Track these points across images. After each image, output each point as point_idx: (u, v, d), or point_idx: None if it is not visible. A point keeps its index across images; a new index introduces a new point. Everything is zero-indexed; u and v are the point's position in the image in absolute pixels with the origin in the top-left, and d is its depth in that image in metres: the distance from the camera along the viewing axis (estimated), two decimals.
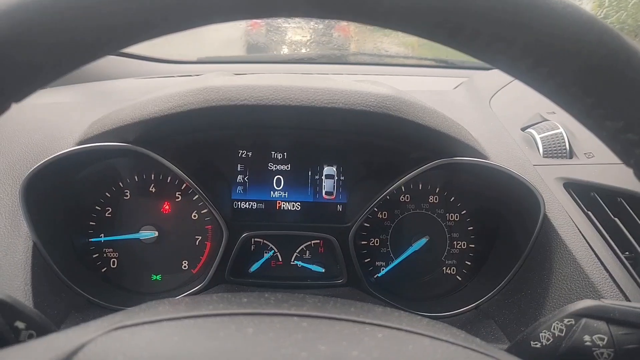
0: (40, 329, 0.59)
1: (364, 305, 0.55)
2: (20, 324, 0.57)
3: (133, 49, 1.72)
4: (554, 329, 0.62)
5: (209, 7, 0.37)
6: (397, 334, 0.46)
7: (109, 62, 1.63)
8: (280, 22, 2.04)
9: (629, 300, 0.82)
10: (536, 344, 0.63)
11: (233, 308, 0.49)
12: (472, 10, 0.37)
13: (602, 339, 0.59)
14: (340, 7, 0.37)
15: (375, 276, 1.15)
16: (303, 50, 2.17)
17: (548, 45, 0.37)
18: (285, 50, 2.22)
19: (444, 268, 1.15)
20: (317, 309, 0.50)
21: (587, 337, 0.60)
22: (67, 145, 0.99)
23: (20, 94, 0.38)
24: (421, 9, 0.37)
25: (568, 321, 0.62)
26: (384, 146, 1.05)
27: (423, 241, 1.12)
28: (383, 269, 1.15)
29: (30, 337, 0.58)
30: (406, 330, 0.47)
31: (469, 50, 0.40)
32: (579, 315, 0.62)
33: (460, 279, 1.15)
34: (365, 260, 1.15)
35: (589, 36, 0.37)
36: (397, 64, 2.06)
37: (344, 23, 2.13)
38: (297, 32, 2.14)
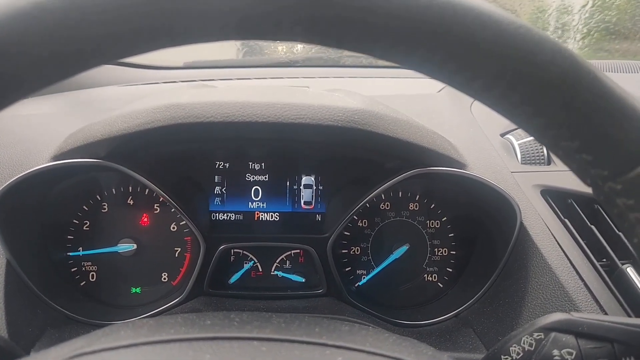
0: (5, 354, 0.58)
1: (330, 324, 0.55)
2: None
3: None
4: (523, 343, 0.62)
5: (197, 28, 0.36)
6: (358, 357, 0.46)
7: (92, 69, 1.61)
8: None
9: (604, 310, 0.82)
10: (507, 359, 0.63)
11: (194, 332, 0.48)
12: (424, 32, 0.36)
13: (570, 353, 0.59)
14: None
15: (356, 285, 1.15)
16: (297, 48, 2.16)
17: (500, 66, 0.37)
18: (278, 49, 2.21)
19: (425, 275, 1.15)
20: (279, 331, 0.50)
21: (556, 352, 0.60)
22: (42, 159, 0.98)
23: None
24: (381, 32, 0.37)
25: (537, 335, 0.62)
26: (359, 157, 1.04)
27: (404, 249, 1.12)
28: (364, 278, 1.14)
29: None
30: (367, 352, 0.46)
31: (422, 70, 0.40)
32: (548, 329, 0.61)
33: (441, 285, 1.15)
34: (346, 269, 1.14)
35: (541, 56, 0.37)
36: (385, 66, 2.06)
37: None
38: None
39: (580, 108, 0.38)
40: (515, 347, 0.62)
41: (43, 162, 0.95)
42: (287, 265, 1.14)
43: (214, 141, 1.00)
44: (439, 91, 1.53)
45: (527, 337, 0.62)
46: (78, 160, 0.94)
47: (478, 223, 1.09)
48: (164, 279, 1.12)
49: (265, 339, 0.47)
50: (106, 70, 1.67)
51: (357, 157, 1.04)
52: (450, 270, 1.15)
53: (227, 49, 2.12)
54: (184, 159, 1.07)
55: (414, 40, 0.37)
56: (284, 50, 2.21)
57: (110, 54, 0.37)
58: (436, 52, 0.37)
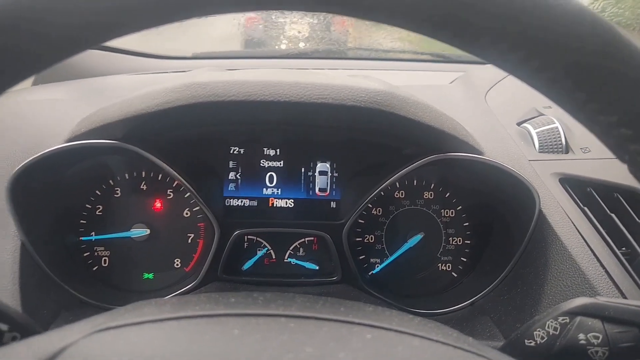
0: (25, 331, 0.58)
1: (354, 304, 0.54)
2: (2, 326, 0.56)
3: (127, 45, 1.71)
4: (548, 327, 0.61)
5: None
6: (386, 335, 0.45)
7: (101, 58, 1.62)
8: (277, 17, 2.04)
9: (625, 297, 0.81)
10: (530, 343, 0.62)
11: (220, 309, 0.48)
12: (459, 3, 0.36)
13: (596, 337, 0.59)
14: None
15: (370, 273, 1.14)
16: (300, 45, 2.16)
17: (538, 37, 0.36)
18: (282, 45, 2.21)
19: (439, 264, 1.15)
20: (305, 309, 0.49)
21: (581, 336, 0.59)
22: (55, 142, 0.98)
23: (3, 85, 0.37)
24: (410, 2, 0.36)
25: (562, 319, 0.61)
26: (377, 142, 1.03)
27: (418, 237, 1.11)
28: (378, 266, 1.14)
29: (14, 339, 0.57)
30: (395, 331, 0.46)
31: (458, 43, 0.39)
32: (573, 313, 0.61)
33: (455, 275, 1.14)
34: (360, 257, 1.14)
35: (581, 28, 0.36)
36: (394, 59, 2.05)
37: (341, 18, 2.11)
38: (294, 27, 2.12)
39: (621, 81, 0.37)
40: (539, 331, 0.61)
41: (57, 145, 0.95)
42: (301, 252, 1.13)
43: (231, 124, 0.99)
44: (451, 82, 1.52)
45: (551, 322, 0.61)
46: (95, 142, 0.94)
47: (494, 211, 1.09)
48: (177, 264, 1.11)
49: (292, 316, 0.47)
50: (115, 59, 1.67)
51: (374, 142, 1.04)
52: (465, 259, 1.14)
53: (234, 41, 2.12)
54: (199, 143, 1.06)
55: (446, 14, 0.36)
56: (293, 42, 2.20)
57: (138, 24, 0.36)
58: (470, 26, 0.37)
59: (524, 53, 0.37)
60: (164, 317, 0.45)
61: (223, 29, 2.15)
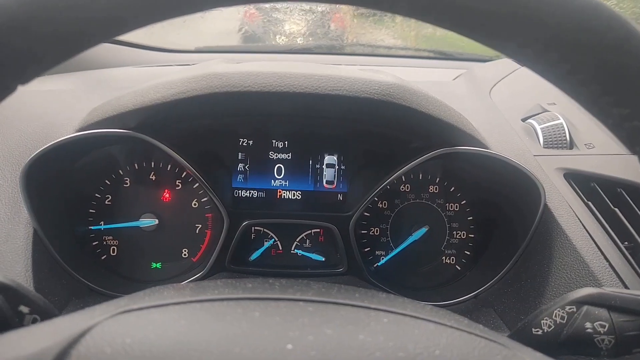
0: (44, 314, 0.59)
1: (367, 291, 0.56)
2: (24, 308, 0.57)
3: (131, 38, 1.72)
4: (555, 316, 0.63)
5: None
6: (402, 319, 0.46)
7: (107, 50, 1.62)
8: (277, 13, 2.04)
9: (628, 289, 0.82)
10: (537, 331, 0.63)
11: (238, 293, 0.49)
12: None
13: (603, 326, 0.60)
14: None
15: (374, 265, 1.16)
16: (299, 41, 2.17)
17: (556, 32, 0.37)
18: (282, 41, 2.21)
19: (444, 258, 1.16)
20: (322, 294, 0.50)
21: (588, 324, 0.60)
22: (67, 132, 0.99)
23: (26, 76, 0.38)
24: None
25: (569, 308, 0.62)
26: (385, 135, 1.04)
27: (423, 231, 1.12)
28: (383, 258, 1.15)
29: (34, 321, 0.58)
30: (411, 316, 0.47)
31: (475, 36, 0.40)
32: (580, 302, 0.62)
33: (459, 268, 1.15)
34: (365, 250, 1.15)
35: (597, 23, 0.37)
36: (395, 55, 2.06)
37: (340, 15, 2.09)
38: (293, 23, 2.13)
39: (635, 75, 0.38)
40: (546, 320, 0.63)
41: (69, 134, 0.96)
42: (307, 244, 1.14)
43: (243, 115, 1.00)
44: (455, 79, 1.53)
45: (558, 310, 0.62)
46: (108, 131, 0.95)
47: (498, 205, 1.10)
48: (185, 254, 1.13)
49: (310, 300, 0.48)
50: (120, 52, 1.68)
51: (382, 135, 1.05)
52: (469, 253, 1.15)
53: (234, 36, 2.13)
54: (209, 134, 1.07)
55: (464, 5, 0.37)
56: (292, 38, 2.20)
57: (148, 18, 0.37)
58: (488, 19, 0.38)
59: (542, 47, 0.38)
60: (185, 299, 0.46)
61: (224, 24, 2.16)
